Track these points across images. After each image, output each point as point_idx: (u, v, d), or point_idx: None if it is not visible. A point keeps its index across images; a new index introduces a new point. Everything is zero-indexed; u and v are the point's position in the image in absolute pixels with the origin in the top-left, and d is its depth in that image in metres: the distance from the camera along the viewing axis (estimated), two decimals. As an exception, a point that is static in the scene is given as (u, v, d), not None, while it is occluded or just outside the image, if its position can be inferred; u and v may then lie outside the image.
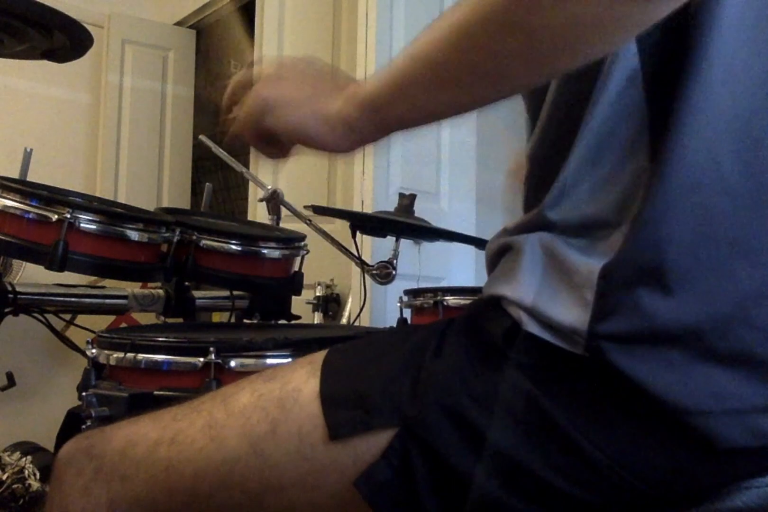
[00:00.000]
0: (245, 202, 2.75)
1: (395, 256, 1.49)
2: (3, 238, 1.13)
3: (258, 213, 2.43)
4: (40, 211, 1.13)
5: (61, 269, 1.13)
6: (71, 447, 0.61)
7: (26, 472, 1.40)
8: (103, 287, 1.66)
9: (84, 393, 0.96)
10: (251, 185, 2.55)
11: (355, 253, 1.54)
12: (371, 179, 2.28)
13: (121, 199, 2.79)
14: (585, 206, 0.53)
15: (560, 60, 0.46)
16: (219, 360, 0.95)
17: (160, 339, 1.02)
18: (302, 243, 1.50)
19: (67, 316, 1.63)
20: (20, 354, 2.34)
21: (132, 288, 1.54)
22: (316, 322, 2.19)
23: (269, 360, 0.99)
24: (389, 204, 2.02)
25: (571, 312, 0.49)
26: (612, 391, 0.49)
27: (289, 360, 0.97)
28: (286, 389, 0.56)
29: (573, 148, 0.53)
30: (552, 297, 0.51)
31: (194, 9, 3.14)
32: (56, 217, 1.12)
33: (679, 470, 0.50)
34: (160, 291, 1.50)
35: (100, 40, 2.93)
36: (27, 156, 1.61)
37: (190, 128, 3.22)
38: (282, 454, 0.54)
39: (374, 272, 1.50)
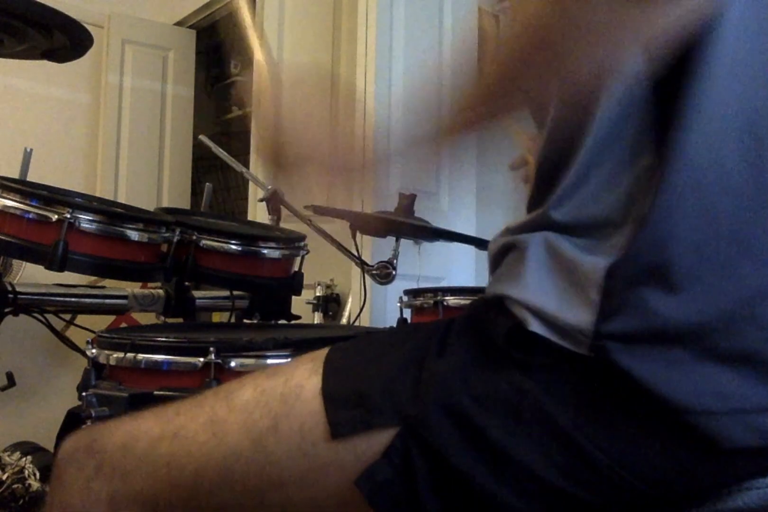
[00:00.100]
0: (245, 202, 2.75)
1: (395, 256, 1.49)
2: (3, 238, 1.13)
3: (258, 213, 2.43)
4: (40, 211, 1.13)
5: (61, 269, 1.13)
6: (72, 442, 0.61)
7: (26, 472, 1.40)
8: (103, 287, 1.66)
9: (84, 393, 0.95)
10: (251, 185, 2.55)
11: (355, 253, 1.54)
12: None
13: (121, 199, 2.79)
14: (590, 206, 0.53)
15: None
16: (219, 360, 0.95)
17: (160, 339, 1.01)
18: (302, 243, 1.50)
19: (67, 316, 1.63)
20: (20, 354, 2.33)
21: (132, 288, 1.54)
22: (316, 322, 2.19)
23: (269, 360, 0.98)
24: (389, 204, 2.02)
25: (576, 311, 0.49)
26: (614, 391, 0.49)
27: (289, 360, 0.97)
28: (288, 386, 0.56)
29: (578, 148, 0.53)
30: (557, 297, 0.51)
31: (194, 9, 3.14)
32: (56, 217, 1.12)
33: (680, 470, 0.50)
34: (160, 291, 1.50)
35: (100, 40, 2.93)
36: (27, 156, 1.61)
37: (190, 128, 3.22)
38: (283, 450, 0.54)
39: (374, 272, 1.50)
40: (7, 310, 1.35)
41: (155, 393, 0.95)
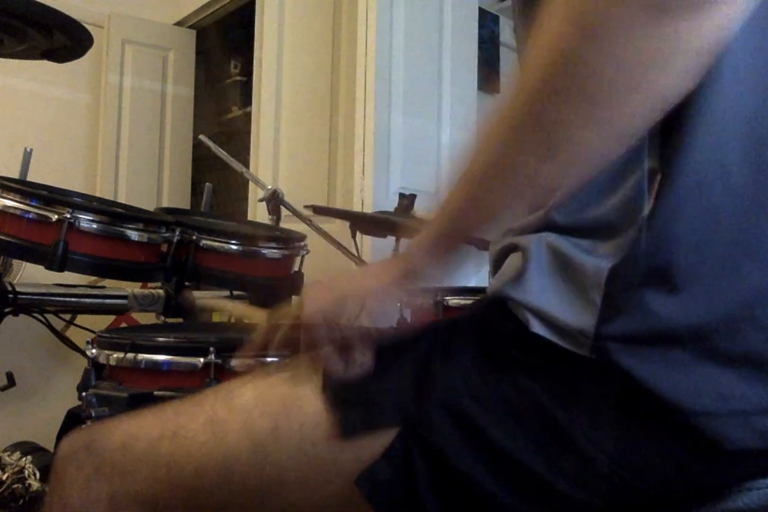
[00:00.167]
0: (245, 202, 2.75)
1: (395, 255, 1.49)
2: (3, 238, 1.13)
3: (258, 213, 2.43)
4: (40, 211, 1.13)
5: (61, 269, 1.13)
6: (71, 442, 0.61)
7: (26, 472, 1.40)
8: (103, 287, 1.66)
9: (84, 393, 0.96)
10: (251, 185, 2.55)
11: (355, 253, 1.54)
12: (371, 179, 2.28)
13: (121, 199, 2.79)
14: (592, 208, 0.53)
15: (624, 115, 0.45)
16: (219, 360, 0.95)
17: (160, 339, 1.02)
18: (302, 243, 1.50)
19: (67, 316, 1.63)
20: (20, 354, 2.33)
21: (132, 288, 1.54)
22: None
23: (269, 360, 0.98)
24: (389, 204, 2.02)
25: (578, 313, 0.49)
26: (615, 393, 0.49)
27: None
28: (288, 388, 0.56)
29: None
30: (559, 299, 0.51)
31: (194, 9, 3.14)
32: (56, 217, 1.12)
33: (680, 471, 0.50)
34: (160, 291, 1.50)
35: (100, 40, 2.93)
36: (27, 156, 1.61)
37: (190, 128, 3.22)
38: (283, 451, 0.54)
39: (374, 272, 1.49)
40: (7, 310, 1.35)
41: (155, 393, 0.95)
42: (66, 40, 1.24)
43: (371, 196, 2.26)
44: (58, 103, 2.99)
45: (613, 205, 0.52)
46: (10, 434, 2.05)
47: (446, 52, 2.52)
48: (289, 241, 1.46)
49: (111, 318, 2.21)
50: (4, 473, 1.39)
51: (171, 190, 3.13)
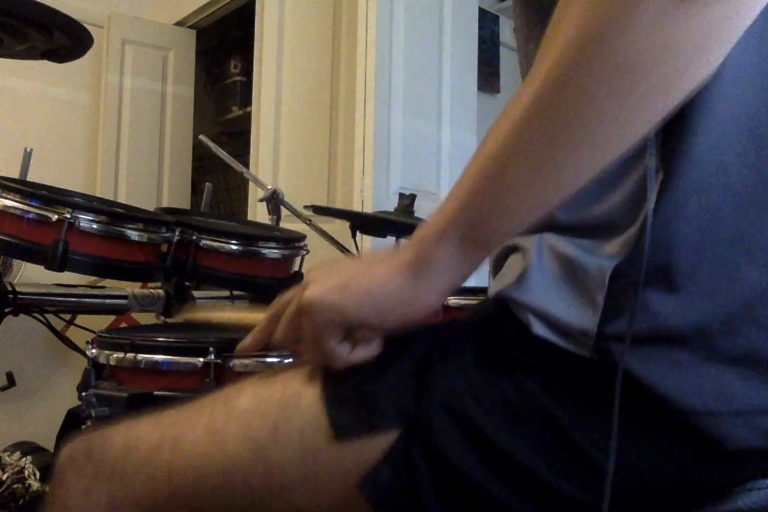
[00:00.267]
0: (245, 202, 2.75)
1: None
2: (3, 238, 1.13)
3: (258, 213, 2.43)
4: (40, 211, 1.13)
5: (61, 269, 1.13)
6: (71, 449, 0.61)
7: (26, 472, 1.40)
8: (103, 287, 1.66)
9: (84, 393, 0.96)
10: (251, 185, 2.55)
11: (355, 253, 1.54)
12: (371, 179, 2.28)
13: (121, 199, 2.79)
14: (593, 207, 0.52)
15: (660, 93, 0.43)
16: (219, 361, 0.95)
17: (160, 339, 1.02)
18: (302, 243, 1.50)
19: (67, 316, 1.63)
20: (20, 354, 2.34)
21: (132, 288, 1.54)
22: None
23: (269, 360, 0.99)
24: (389, 204, 2.02)
25: (580, 313, 0.49)
26: (616, 393, 0.49)
27: (290, 360, 0.97)
28: (287, 392, 0.56)
29: None
30: (561, 300, 0.50)
31: (194, 9, 3.14)
32: (56, 217, 1.12)
33: (681, 471, 0.50)
34: (160, 291, 1.50)
35: (100, 40, 2.93)
36: (27, 156, 1.61)
37: (190, 128, 3.22)
38: (284, 457, 0.54)
39: (374, 272, 1.49)
40: (7, 310, 1.35)
41: (155, 393, 0.95)
42: (66, 40, 1.24)
43: (371, 196, 2.26)
44: (58, 103, 2.99)
45: (615, 203, 0.51)
46: (10, 434, 2.05)
47: (446, 52, 2.52)
48: (289, 241, 1.46)
49: (111, 318, 2.21)
50: (4, 473, 1.39)
51: (171, 190, 3.13)
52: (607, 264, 0.49)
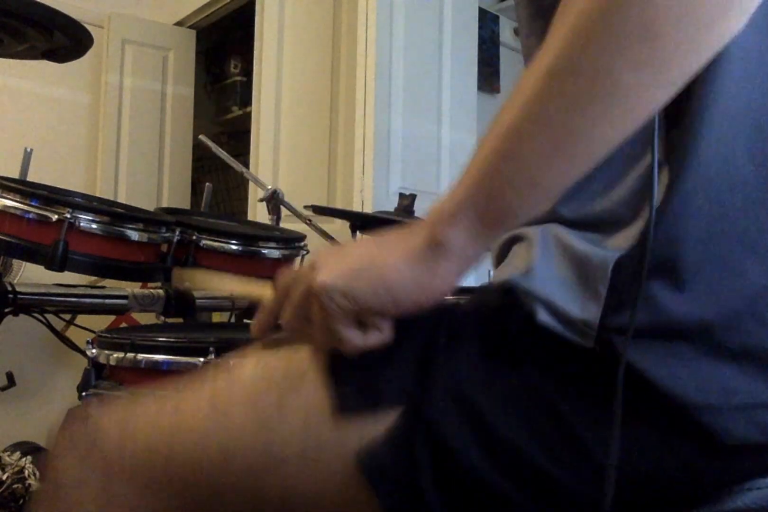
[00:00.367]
0: (245, 202, 2.75)
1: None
2: (3, 238, 1.13)
3: (258, 213, 2.43)
4: (40, 211, 1.13)
5: (61, 269, 1.13)
6: (68, 418, 0.60)
7: (26, 472, 1.40)
8: (103, 287, 1.66)
9: (84, 393, 0.96)
10: (251, 185, 2.55)
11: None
12: (371, 179, 2.28)
13: (121, 199, 2.79)
14: (597, 201, 0.52)
15: (680, 56, 0.42)
16: (219, 361, 0.95)
17: (160, 339, 1.02)
18: (302, 243, 1.50)
19: (67, 316, 1.63)
20: (20, 354, 2.34)
21: (132, 288, 1.54)
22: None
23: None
24: (389, 204, 2.02)
25: (582, 304, 0.49)
26: (618, 386, 0.48)
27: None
28: (292, 363, 0.55)
29: None
30: (564, 289, 0.50)
31: (194, 9, 3.14)
32: (56, 217, 1.12)
33: (682, 468, 0.49)
34: (160, 291, 1.50)
35: (100, 40, 2.93)
36: (27, 156, 1.61)
37: (190, 128, 3.22)
38: (286, 427, 0.53)
39: (374, 272, 1.49)
40: (7, 310, 1.35)
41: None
42: (66, 40, 1.24)
43: (371, 196, 2.26)
44: (58, 103, 2.99)
45: (619, 198, 0.51)
46: (10, 434, 2.05)
47: (446, 52, 2.52)
48: (289, 241, 1.46)
49: (111, 318, 2.21)
50: (4, 473, 1.39)
51: (171, 190, 3.13)
52: (611, 257, 0.49)
